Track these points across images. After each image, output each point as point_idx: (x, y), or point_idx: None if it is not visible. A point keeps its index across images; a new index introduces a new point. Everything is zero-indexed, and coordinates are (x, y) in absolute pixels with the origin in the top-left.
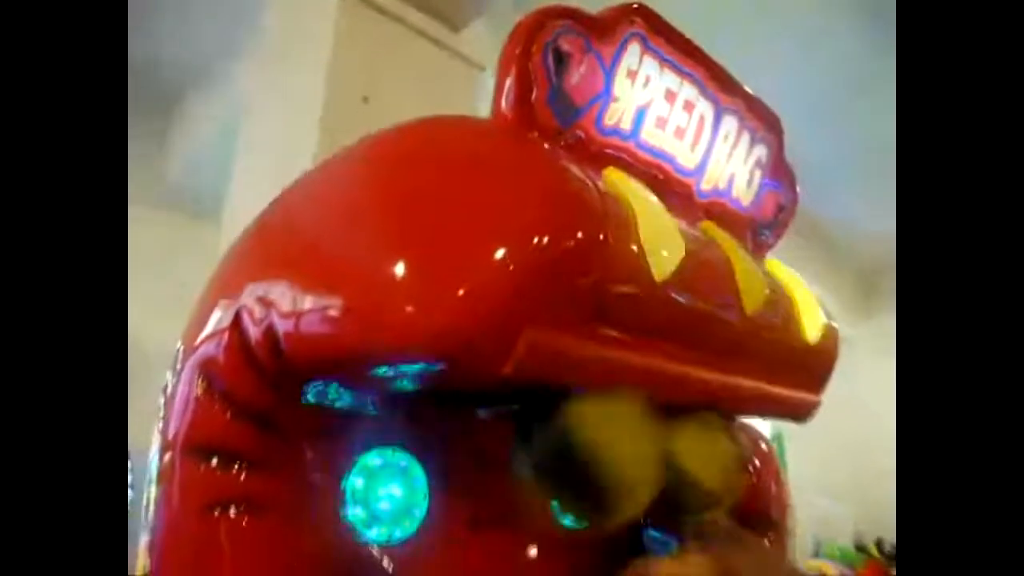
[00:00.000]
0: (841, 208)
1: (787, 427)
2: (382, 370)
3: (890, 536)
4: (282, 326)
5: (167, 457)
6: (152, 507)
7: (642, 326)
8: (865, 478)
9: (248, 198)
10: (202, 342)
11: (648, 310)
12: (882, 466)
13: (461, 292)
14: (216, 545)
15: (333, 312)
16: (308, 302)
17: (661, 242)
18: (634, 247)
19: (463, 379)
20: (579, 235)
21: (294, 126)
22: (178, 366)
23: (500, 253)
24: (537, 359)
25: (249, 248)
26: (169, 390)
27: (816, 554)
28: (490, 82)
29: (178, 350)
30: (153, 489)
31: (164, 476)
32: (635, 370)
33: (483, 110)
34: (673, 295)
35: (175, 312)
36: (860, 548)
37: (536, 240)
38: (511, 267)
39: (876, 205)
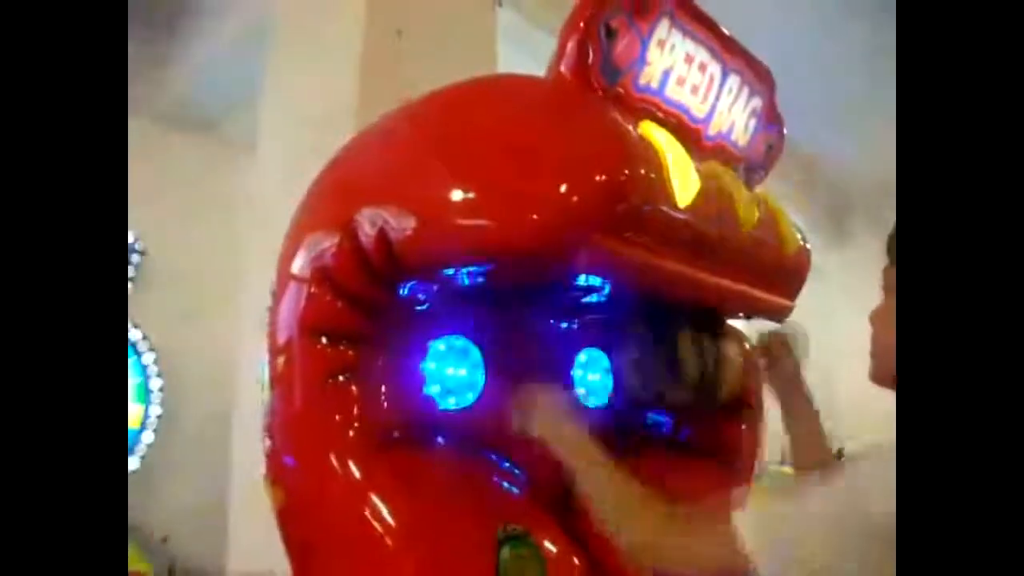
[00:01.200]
0: (819, 143)
1: None
2: (478, 267)
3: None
4: (396, 234)
5: (285, 345)
6: (269, 394)
7: (668, 240)
8: (830, 397)
9: (282, 124)
10: (314, 253)
11: (673, 227)
12: (848, 389)
13: (548, 210)
14: (329, 409)
15: (453, 219)
16: (422, 216)
17: (682, 177)
18: (664, 181)
19: (545, 272)
20: (626, 171)
21: (329, 60)
22: (286, 276)
23: (573, 183)
24: (599, 258)
25: (350, 177)
26: (275, 301)
27: (782, 463)
28: (503, 15)
29: (281, 266)
30: (266, 393)
31: (283, 362)
32: (664, 271)
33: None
34: (691, 217)
35: (184, 223)
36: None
37: (597, 176)
38: (582, 193)
39: (852, 141)
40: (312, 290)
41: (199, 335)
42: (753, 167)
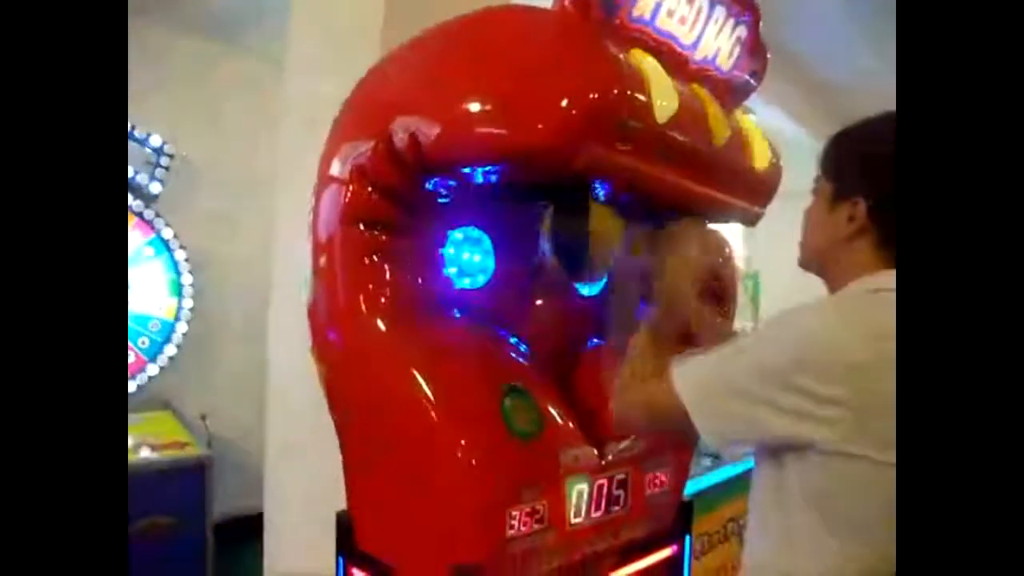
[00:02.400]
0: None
1: (761, 268)
2: (493, 166)
3: None
4: (425, 138)
5: (327, 240)
6: (311, 287)
7: (650, 150)
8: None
9: (309, 39)
10: (353, 156)
11: (653, 140)
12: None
13: (551, 120)
14: (365, 283)
15: (473, 125)
16: (448, 123)
17: (663, 98)
18: (646, 100)
19: (548, 172)
20: (614, 91)
21: None
22: (325, 178)
23: (572, 99)
24: (593, 161)
25: (385, 91)
26: (316, 202)
27: None
28: None
29: (321, 170)
30: (307, 288)
31: (325, 255)
32: (645, 175)
33: None
34: (669, 131)
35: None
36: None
37: (591, 94)
38: (579, 107)
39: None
40: (351, 186)
41: (228, 234)
42: (736, 89)
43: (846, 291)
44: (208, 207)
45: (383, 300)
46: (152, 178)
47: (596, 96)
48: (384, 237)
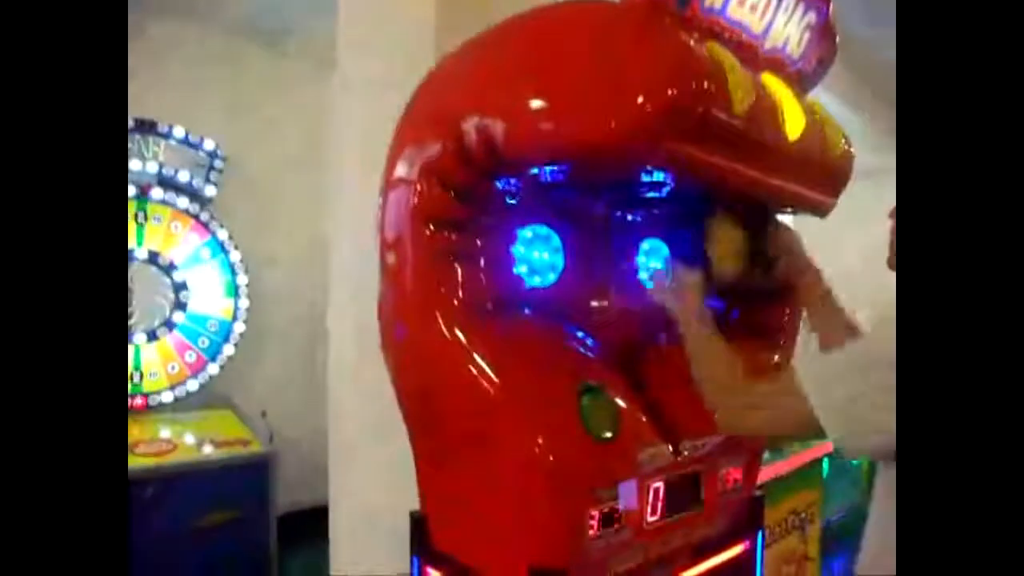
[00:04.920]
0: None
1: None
2: (567, 165)
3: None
4: (500, 136)
5: (395, 240)
6: (381, 286)
7: (726, 142)
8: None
9: (362, 43)
10: (422, 155)
11: (731, 131)
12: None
13: (633, 116)
14: (436, 284)
15: (548, 124)
16: (523, 122)
17: (741, 89)
18: (725, 93)
19: (627, 169)
20: (694, 84)
21: None
22: (392, 179)
23: (649, 96)
24: (673, 156)
25: (453, 90)
26: (383, 203)
27: None
28: None
29: (387, 171)
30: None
31: (394, 254)
32: (723, 169)
33: None
34: (746, 123)
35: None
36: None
37: (669, 90)
38: (656, 104)
39: None
40: (420, 186)
41: (279, 236)
42: (806, 77)
43: None
44: (258, 208)
45: (456, 300)
46: (207, 181)
47: (676, 91)
48: (455, 237)
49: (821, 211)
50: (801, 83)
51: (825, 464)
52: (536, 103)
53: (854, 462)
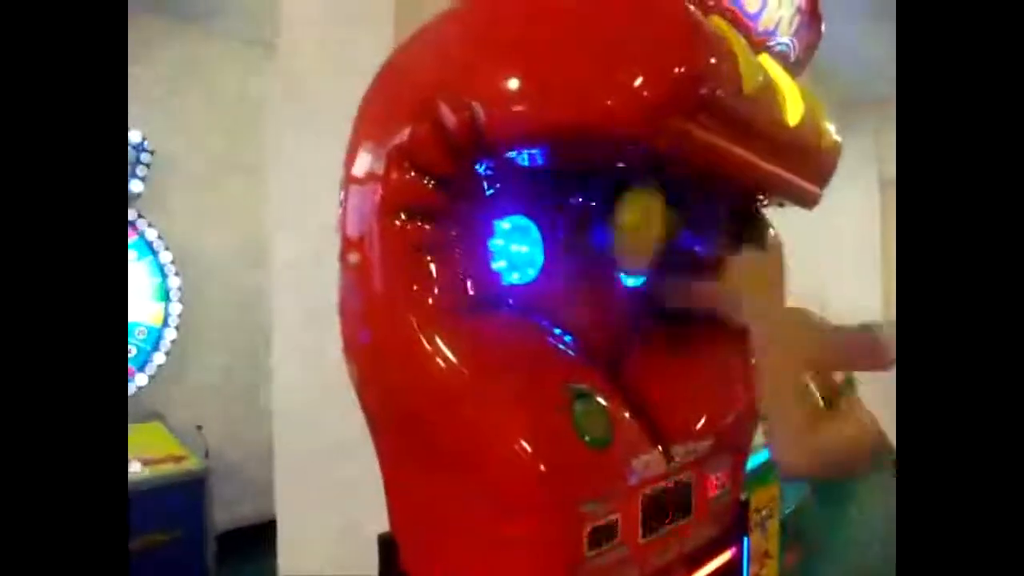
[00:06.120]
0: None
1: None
2: (568, 145)
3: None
4: (486, 115)
5: (360, 235)
6: (345, 292)
7: (733, 124)
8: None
9: (308, 20)
10: (392, 138)
11: (736, 110)
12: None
13: (631, 99)
14: (409, 280)
15: (540, 103)
16: (513, 101)
17: (749, 67)
18: (735, 69)
19: (623, 155)
20: (702, 61)
21: None
22: (357, 165)
23: (653, 73)
24: (674, 142)
25: (428, 65)
26: (345, 193)
27: None
28: None
29: (349, 156)
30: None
31: (357, 251)
32: (724, 154)
33: None
34: (753, 104)
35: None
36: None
37: (676, 68)
38: (663, 82)
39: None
40: (390, 173)
41: (215, 232)
42: (793, 62)
43: None
44: (188, 204)
45: (431, 298)
46: (133, 176)
47: (681, 69)
48: (428, 227)
49: (808, 201)
50: (790, 68)
51: None
52: (528, 81)
53: None
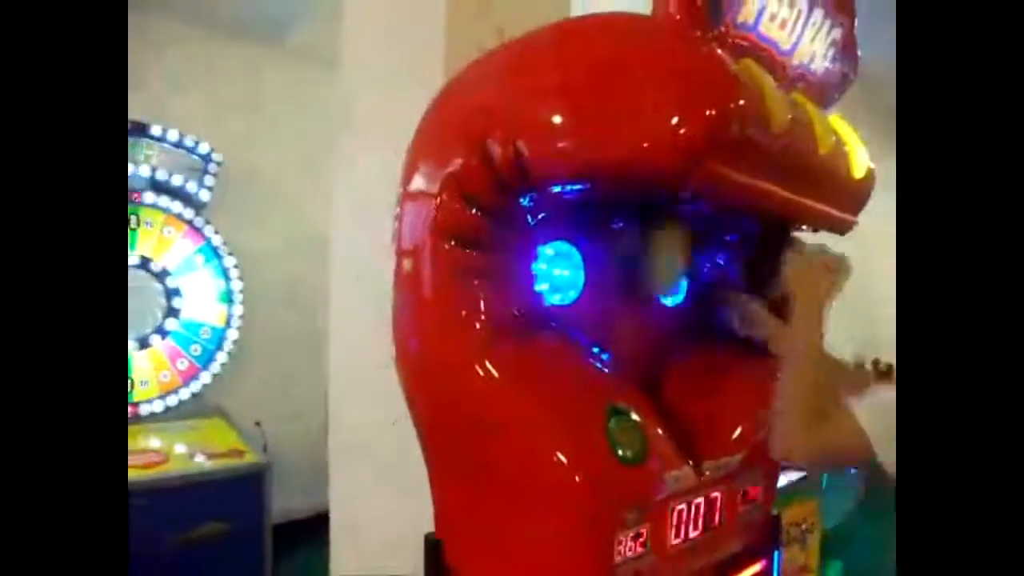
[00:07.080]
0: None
1: None
2: (600, 186)
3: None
4: (530, 153)
5: (412, 249)
6: (398, 305)
7: (761, 162)
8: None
9: (367, 40)
10: (445, 167)
11: (766, 150)
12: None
13: (664, 141)
14: (457, 304)
15: (579, 143)
16: (554, 140)
17: (776, 107)
18: (763, 111)
19: (658, 194)
20: (731, 104)
21: None
22: (412, 187)
23: (686, 115)
24: (706, 181)
25: (479, 102)
26: (401, 209)
27: None
28: None
29: (406, 177)
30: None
31: (410, 264)
32: (756, 191)
33: None
34: (782, 142)
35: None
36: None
37: (707, 111)
38: (694, 124)
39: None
40: (442, 199)
41: (275, 239)
42: (827, 94)
43: None
44: (253, 211)
45: (477, 323)
46: (201, 185)
47: (712, 112)
48: (475, 254)
49: (841, 229)
50: (823, 99)
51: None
52: (568, 122)
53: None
